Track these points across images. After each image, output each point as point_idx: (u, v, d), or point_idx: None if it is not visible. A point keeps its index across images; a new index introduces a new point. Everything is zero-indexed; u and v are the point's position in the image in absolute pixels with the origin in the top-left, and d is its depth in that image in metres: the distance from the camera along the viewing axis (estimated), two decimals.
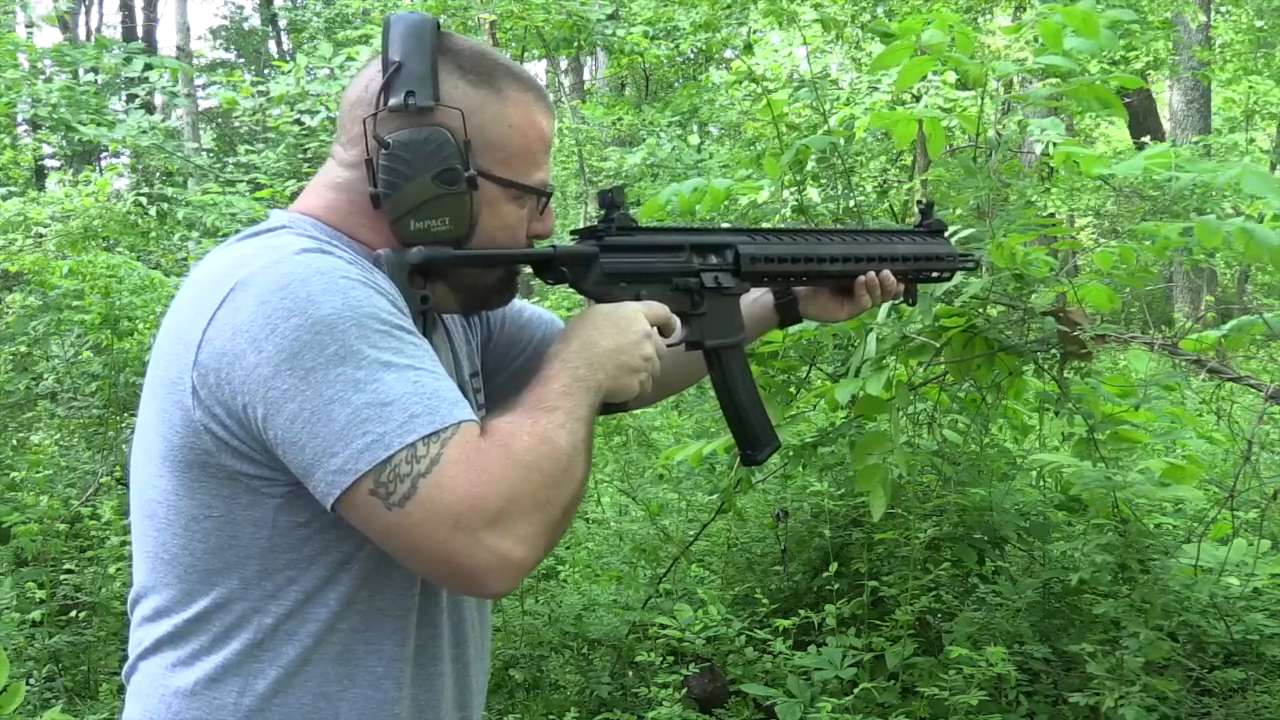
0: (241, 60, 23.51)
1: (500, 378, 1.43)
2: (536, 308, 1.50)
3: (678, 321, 1.33)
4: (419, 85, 1.14)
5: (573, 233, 1.31)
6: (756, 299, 1.58)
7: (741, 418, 1.42)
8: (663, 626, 3.06)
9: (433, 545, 1.01)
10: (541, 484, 1.04)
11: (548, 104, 1.23)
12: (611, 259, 1.28)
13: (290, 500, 1.08)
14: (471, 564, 1.01)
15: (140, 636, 1.16)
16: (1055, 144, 2.73)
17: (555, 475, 1.06)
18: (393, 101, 1.14)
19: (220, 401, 1.05)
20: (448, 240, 1.16)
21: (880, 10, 7.52)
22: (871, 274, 1.55)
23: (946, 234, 1.70)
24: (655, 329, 1.25)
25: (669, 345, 1.30)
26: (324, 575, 1.11)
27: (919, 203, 1.75)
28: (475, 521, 1.00)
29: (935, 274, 1.69)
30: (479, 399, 1.35)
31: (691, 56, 11.68)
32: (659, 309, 1.28)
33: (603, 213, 1.30)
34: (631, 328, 1.21)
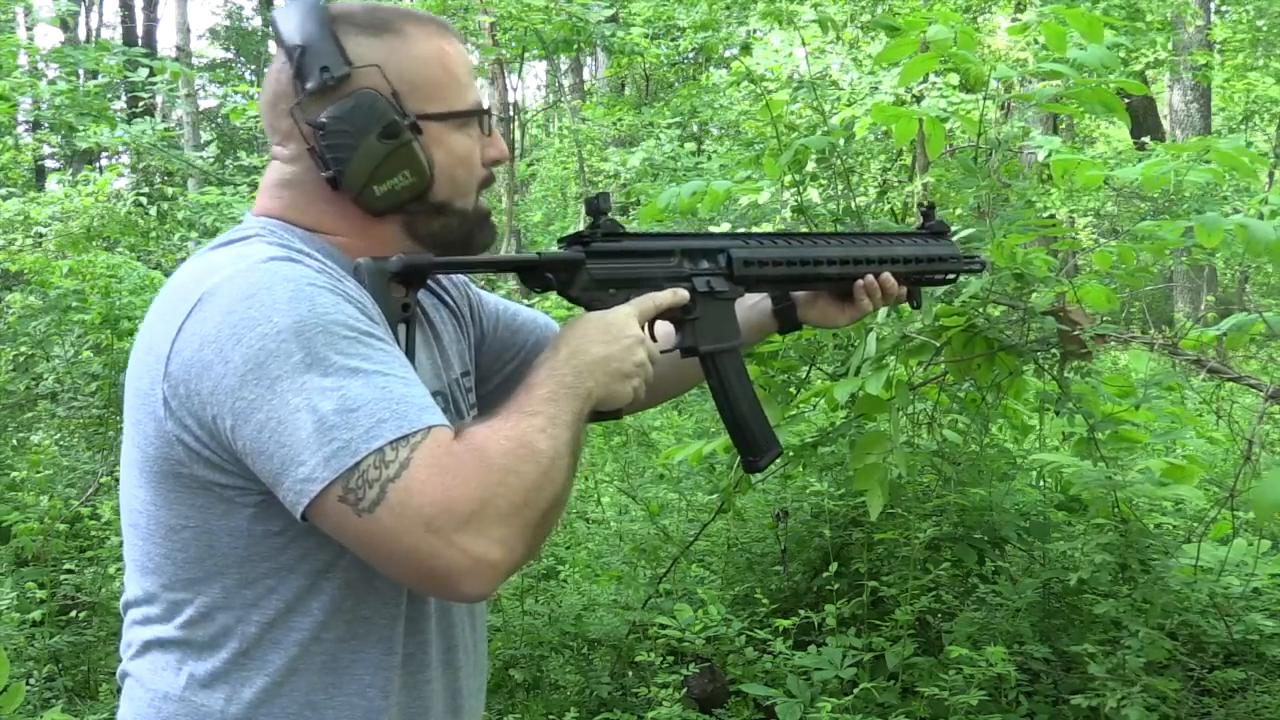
0: (241, 60, 23.52)
1: (494, 380, 1.42)
2: (532, 311, 1.48)
3: (685, 294, 1.32)
4: (329, 59, 1.14)
5: (560, 239, 1.30)
6: (754, 305, 1.55)
7: (740, 424, 1.40)
8: (663, 626, 3.06)
9: (405, 549, 1.00)
10: (518, 486, 1.02)
11: (452, 31, 1.22)
12: (599, 264, 1.26)
13: (264, 509, 1.07)
14: (445, 567, 0.99)
15: (130, 639, 1.17)
16: (1055, 152, 2.73)
17: (533, 478, 1.04)
18: (310, 84, 1.14)
19: (191, 412, 1.05)
20: (415, 190, 1.16)
21: (880, 10, 7.52)
22: (870, 277, 1.52)
23: (949, 235, 1.69)
24: (648, 335, 1.24)
25: (663, 351, 1.29)
26: (304, 584, 1.10)
27: (920, 205, 1.74)
28: (447, 524, 0.99)
29: (939, 276, 1.67)
30: (470, 398, 1.34)
31: (691, 57, 11.68)
32: (648, 302, 1.26)
33: (590, 219, 1.29)
34: (623, 334, 1.19)
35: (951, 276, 1.70)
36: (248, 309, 1.02)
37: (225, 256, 1.10)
